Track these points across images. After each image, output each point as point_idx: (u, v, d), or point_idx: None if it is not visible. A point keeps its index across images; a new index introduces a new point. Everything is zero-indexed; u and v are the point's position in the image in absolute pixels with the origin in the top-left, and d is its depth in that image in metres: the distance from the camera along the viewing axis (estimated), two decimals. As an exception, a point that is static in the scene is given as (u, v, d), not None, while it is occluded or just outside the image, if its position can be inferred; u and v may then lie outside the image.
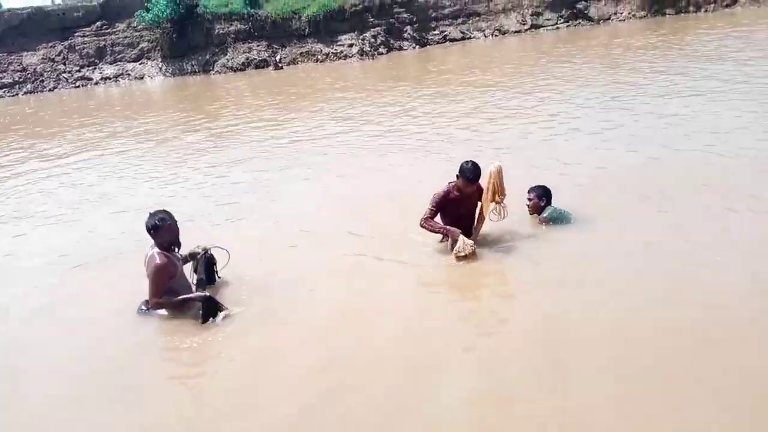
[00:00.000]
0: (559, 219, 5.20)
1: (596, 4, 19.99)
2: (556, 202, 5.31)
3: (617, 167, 6.45)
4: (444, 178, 5.33)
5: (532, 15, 20.14)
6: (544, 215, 5.24)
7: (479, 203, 5.19)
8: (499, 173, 5.04)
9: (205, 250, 4.70)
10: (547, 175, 6.10)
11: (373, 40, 19.47)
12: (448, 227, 5.08)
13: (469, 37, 20.10)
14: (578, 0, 19.96)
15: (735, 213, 5.02)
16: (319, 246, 5.39)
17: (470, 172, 4.95)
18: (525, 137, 8.07)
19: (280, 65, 18.71)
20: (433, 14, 20.21)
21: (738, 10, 18.53)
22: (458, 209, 5.18)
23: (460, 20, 20.32)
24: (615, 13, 19.79)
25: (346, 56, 19.25)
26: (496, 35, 20.06)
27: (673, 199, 5.45)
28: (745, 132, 7.06)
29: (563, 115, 8.84)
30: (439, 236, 5.20)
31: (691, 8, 19.08)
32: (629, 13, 19.63)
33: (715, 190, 5.56)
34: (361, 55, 19.15)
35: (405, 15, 19.99)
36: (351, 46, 19.42)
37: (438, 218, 5.10)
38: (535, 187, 5.36)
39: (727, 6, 18.92)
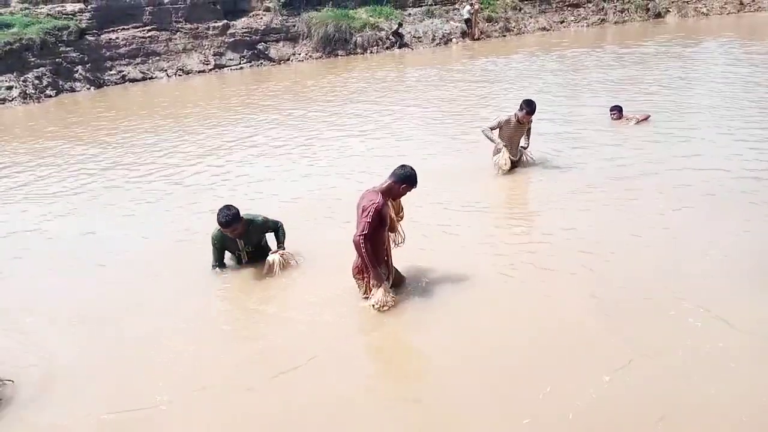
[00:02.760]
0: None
1: (275, 45, 20.85)
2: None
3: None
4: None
5: (214, 55, 20.19)
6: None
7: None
8: None
9: None
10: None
11: (37, 81, 17.55)
12: (377, 269, 4.49)
13: (151, 77, 19.35)
14: (258, 41, 20.60)
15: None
16: None
17: (410, 173, 4.56)
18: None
19: None
20: (108, 54, 19.02)
21: (396, 52, 20.94)
22: (384, 228, 4.55)
23: (138, 60, 19.44)
24: (294, 54, 20.85)
25: (5, 100, 17.01)
26: (179, 75, 19.64)
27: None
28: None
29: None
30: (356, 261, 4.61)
31: (359, 50, 21.00)
32: (306, 54, 20.86)
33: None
34: (25, 98, 17.11)
35: (74, 54, 18.44)
36: (10, 88, 17.24)
37: None
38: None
39: (387, 48, 21.26)
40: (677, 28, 22.04)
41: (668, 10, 24.99)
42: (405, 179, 4.54)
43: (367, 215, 4.34)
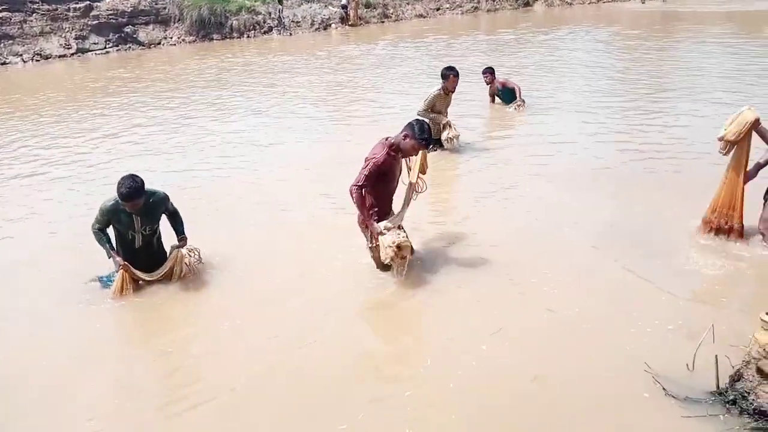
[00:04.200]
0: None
1: (144, 28, 19.74)
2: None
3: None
4: None
5: (76, 38, 18.78)
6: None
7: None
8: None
9: None
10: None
11: None
12: (371, 220, 4.45)
13: (4, 63, 17.68)
14: (125, 24, 19.40)
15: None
16: None
17: (428, 133, 4.38)
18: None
19: None
20: (-49, 36, 17.18)
21: (275, 36, 20.51)
22: (391, 182, 4.54)
23: (-12, 43, 17.71)
24: (165, 38, 19.85)
25: None
26: (37, 60, 18.10)
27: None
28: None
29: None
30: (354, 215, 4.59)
31: (235, 34, 20.35)
32: (179, 38, 19.92)
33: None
34: None
35: None
36: None
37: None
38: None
39: (265, 33, 20.77)
40: (544, 17, 23.26)
41: (536, -1, 26.30)
42: (419, 135, 4.34)
43: (365, 167, 4.35)
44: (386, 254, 4.43)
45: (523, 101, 9.56)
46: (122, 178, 4.47)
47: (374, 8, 23.17)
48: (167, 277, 4.88)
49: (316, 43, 19.16)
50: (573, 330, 4.02)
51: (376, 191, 4.47)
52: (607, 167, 6.97)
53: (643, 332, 3.92)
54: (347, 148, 8.33)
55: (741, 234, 4.95)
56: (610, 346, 3.82)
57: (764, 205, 4.89)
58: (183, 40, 19.97)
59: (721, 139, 4.77)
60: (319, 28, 21.56)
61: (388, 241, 4.40)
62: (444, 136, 7.66)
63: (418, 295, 4.56)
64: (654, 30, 18.19)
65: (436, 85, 7.63)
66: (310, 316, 4.39)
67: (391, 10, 23.60)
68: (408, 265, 4.66)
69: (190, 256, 4.96)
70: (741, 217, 4.91)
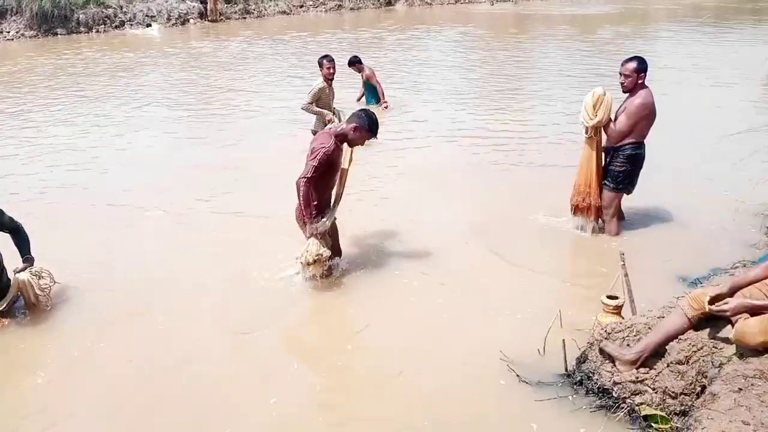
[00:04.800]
0: None
1: (-26, 21, 17.83)
2: None
3: None
4: None
5: None
6: None
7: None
8: None
9: None
10: None
11: None
12: (312, 218, 4.24)
13: None
14: (-49, 15, 17.41)
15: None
16: None
17: (377, 124, 4.36)
18: None
19: None
20: None
21: (127, 32, 19.33)
22: (335, 173, 4.37)
23: None
24: (1, 32, 18.03)
25: None
26: None
27: None
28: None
29: None
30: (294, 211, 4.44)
31: (83, 29, 18.91)
32: (17, 32, 18.17)
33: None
34: None
35: None
36: None
37: None
38: None
39: (116, 27, 19.51)
40: (405, 16, 23.79)
41: (398, -1, 26.80)
42: (369, 126, 4.32)
43: (314, 158, 4.12)
44: (305, 260, 4.32)
45: (386, 101, 9.65)
46: None
47: (235, 3, 22.50)
48: (24, 307, 4.29)
49: (171, 38, 18.28)
50: (433, 322, 4.14)
51: (320, 184, 4.29)
52: (464, 162, 7.26)
53: (496, 321, 4.10)
54: (205, 149, 8.07)
55: (598, 213, 5.14)
56: (468, 335, 3.97)
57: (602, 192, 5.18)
58: (22, 34, 18.22)
59: (595, 126, 4.85)
60: (176, 23, 20.59)
61: (313, 252, 4.29)
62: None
63: (286, 298, 4.48)
64: (505, 30, 19.23)
65: (318, 78, 7.57)
66: (176, 331, 4.17)
67: (253, 6, 23.02)
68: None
69: (41, 277, 4.31)
70: (598, 195, 5.07)
